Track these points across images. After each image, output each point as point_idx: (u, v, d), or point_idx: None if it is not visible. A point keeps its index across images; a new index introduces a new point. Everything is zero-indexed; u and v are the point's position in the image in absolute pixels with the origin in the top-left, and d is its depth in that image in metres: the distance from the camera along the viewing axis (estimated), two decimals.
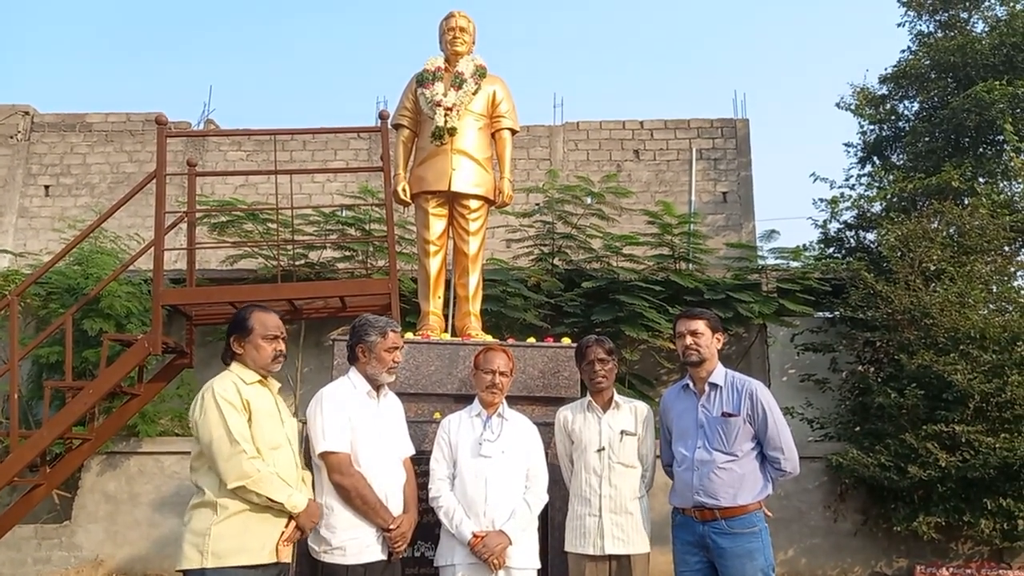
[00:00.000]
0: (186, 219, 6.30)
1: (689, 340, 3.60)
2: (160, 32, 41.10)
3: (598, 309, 9.11)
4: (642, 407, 3.84)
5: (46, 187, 12.08)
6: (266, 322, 3.26)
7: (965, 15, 11.95)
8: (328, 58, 45.52)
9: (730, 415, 3.51)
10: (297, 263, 9.73)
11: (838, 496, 8.36)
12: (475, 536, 3.36)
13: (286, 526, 3.08)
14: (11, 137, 12.12)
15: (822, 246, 11.16)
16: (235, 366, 3.23)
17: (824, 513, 8.39)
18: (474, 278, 4.98)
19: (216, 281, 9.14)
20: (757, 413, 3.51)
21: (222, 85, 41.36)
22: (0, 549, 8.51)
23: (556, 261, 9.82)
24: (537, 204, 10.04)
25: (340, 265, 9.69)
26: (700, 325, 3.62)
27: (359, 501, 3.24)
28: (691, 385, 3.69)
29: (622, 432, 3.70)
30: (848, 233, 11.15)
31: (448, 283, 5.20)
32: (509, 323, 8.75)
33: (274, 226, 9.34)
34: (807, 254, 10.34)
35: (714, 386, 3.61)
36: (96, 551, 8.58)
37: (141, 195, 10.66)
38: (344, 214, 9.92)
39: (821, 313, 9.85)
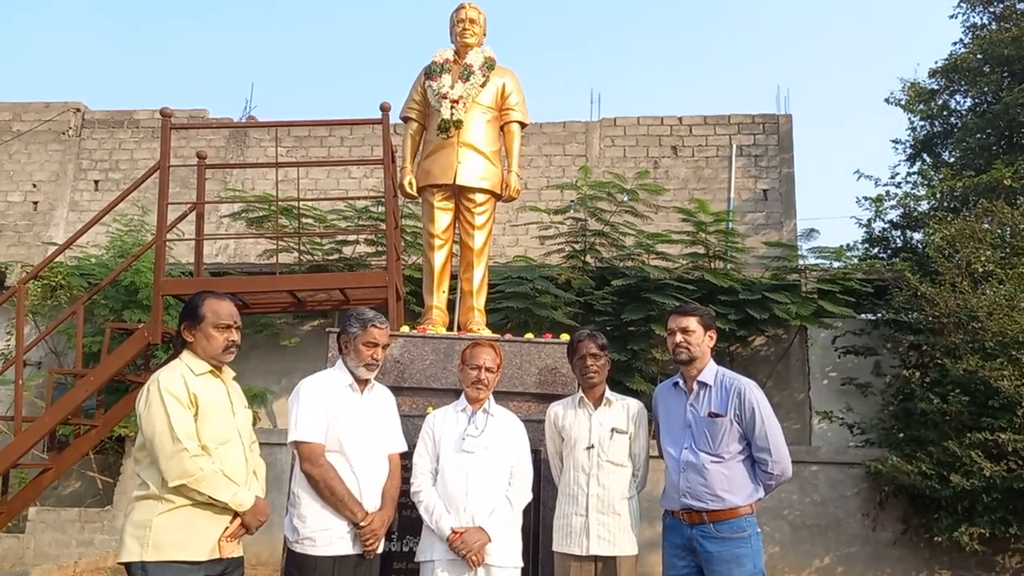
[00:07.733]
0: (195, 210, 6.47)
1: (680, 337, 3.49)
2: (206, 27, 42.19)
3: (629, 308, 8.97)
4: (635, 404, 3.72)
5: (96, 182, 12.44)
6: (218, 310, 3.08)
7: (1022, 6, 11.48)
8: (375, 51, 45.98)
9: (717, 415, 3.39)
10: (331, 257, 9.83)
11: (877, 504, 8.13)
12: (454, 532, 3.30)
13: (231, 522, 2.98)
14: (63, 133, 12.53)
15: (866, 246, 10.82)
16: (185, 355, 3.07)
17: (863, 521, 8.17)
18: (479, 272, 4.91)
19: (254, 274, 9.29)
20: (745, 412, 3.38)
21: (268, 80, 41.88)
22: (46, 531, 8.85)
23: (588, 258, 9.71)
24: (571, 200, 9.94)
25: (373, 260, 9.75)
26: (692, 322, 3.50)
27: (327, 492, 3.19)
28: (681, 383, 3.57)
29: (613, 430, 3.60)
30: (894, 233, 10.81)
31: (455, 277, 5.15)
32: (538, 321, 8.67)
33: (308, 220, 9.46)
34: (850, 254, 10.03)
35: (703, 385, 3.49)
36: None
37: (183, 189, 10.97)
38: (379, 208, 9.98)
39: (864, 315, 9.53)
